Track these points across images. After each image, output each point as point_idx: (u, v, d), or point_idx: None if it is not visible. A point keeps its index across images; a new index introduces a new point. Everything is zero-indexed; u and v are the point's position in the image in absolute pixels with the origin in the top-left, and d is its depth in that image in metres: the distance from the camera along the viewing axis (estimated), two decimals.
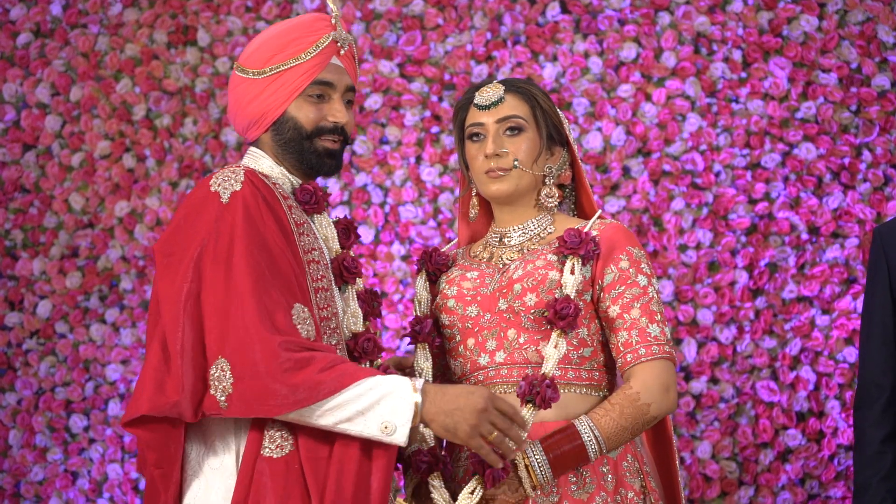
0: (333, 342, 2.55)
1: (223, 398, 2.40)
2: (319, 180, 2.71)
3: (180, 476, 2.52)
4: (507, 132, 2.73)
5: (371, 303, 2.72)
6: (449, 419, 2.39)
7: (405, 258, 4.64)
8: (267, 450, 2.45)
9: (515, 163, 2.71)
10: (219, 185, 2.50)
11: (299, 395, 2.37)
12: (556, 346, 2.61)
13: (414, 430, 2.38)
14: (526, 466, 2.53)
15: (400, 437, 2.38)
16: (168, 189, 4.72)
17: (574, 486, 2.61)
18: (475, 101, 2.75)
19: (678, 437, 4.44)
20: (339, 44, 2.63)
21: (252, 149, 2.68)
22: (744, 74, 4.56)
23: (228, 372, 2.40)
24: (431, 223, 4.64)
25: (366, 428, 2.38)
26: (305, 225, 2.58)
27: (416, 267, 2.84)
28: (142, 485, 4.49)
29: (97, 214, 4.74)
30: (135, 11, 4.80)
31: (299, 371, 2.37)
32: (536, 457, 2.53)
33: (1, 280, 4.74)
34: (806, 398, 4.41)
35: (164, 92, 4.77)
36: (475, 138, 2.74)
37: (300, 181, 2.66)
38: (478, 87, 2.77)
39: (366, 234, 4.64)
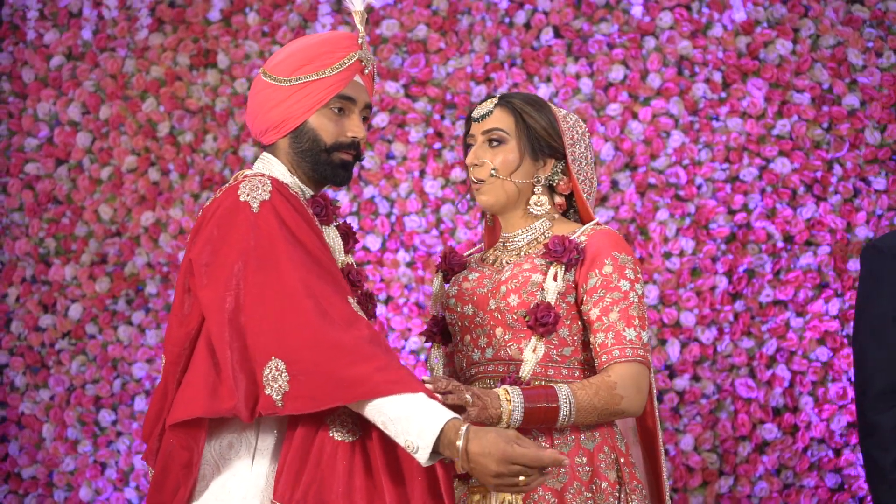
0: None
1: (279, 397, 2.34)
2: (330, 193, 2.68)
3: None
4: (490, 143, 2.75)
5: (367, 305, 2.67)
6: (475, 464, 2.29)
7: (410, 265, 4.68)
8: (337, 434, 2.41)
9: (492, 172, 2.72)
10: (248, 195, 2.46)
11: (349, 390, 2.31)
12: (534, 351, 2.62)
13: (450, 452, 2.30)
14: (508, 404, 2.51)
15: (421, 458, 2.30)
16: (190, 200, 4.75)
17: (548, 474, 2.52)
18: (472, 114, 2.79)
19: (663, 430, 4.45)
20: (363, 63, 2.62)
21: (265, 154, 2.64)
22: (723, 94, 4.62)
23: (284, 371, 2.34)
24: (434, 232, 4.69)
25: (395, 437, 2.33)
26: (323, 233, 2.57)
27: (436, 267, 2.87)
28: None
29: (124, 224, 4.78)
30: (159, 36, 4.84)
31: (355, 366, 2.31)
32: (515, 401, 2.51)
33: (35, 285, 4.79)
34: (781, 394, 4.46)
35: (187, 111, 4.82)
36: (469, 149, 2.79)
37: (311, 192, 2.63)
38: (480, 102, 2.81)
39: (373, 242, 4.68)
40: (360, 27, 2.64)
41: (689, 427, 4.53)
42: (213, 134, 4.82)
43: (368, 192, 4.75)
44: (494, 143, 2.76)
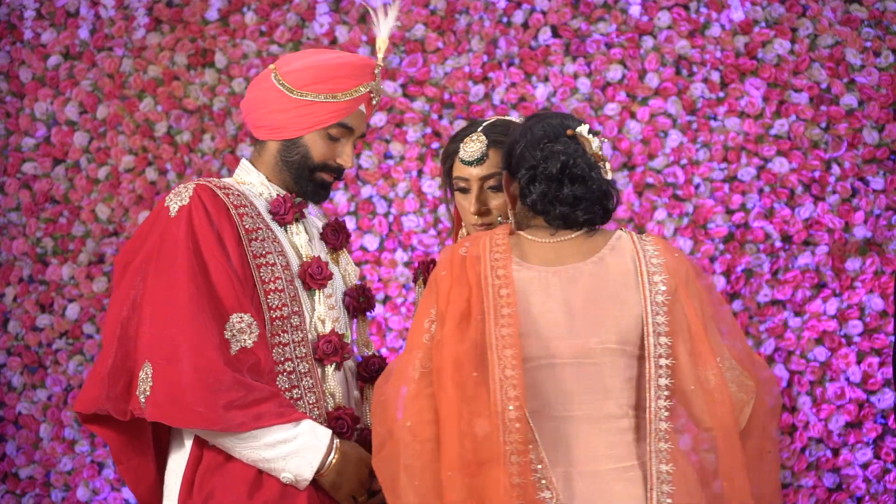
0: (297, 339, 2.58)
1: (143, 399, 2.45)
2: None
3: (154, 471, 2.60)
4: (491, 189, 2.69)
5: (357, 298, 2.73)
6: (338, 478, 2.53)
7: (407, 264, 4.69)
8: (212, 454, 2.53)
9: (500, 219, 2.69)
10: (170, 201, 2.55)
11: (215, 418, 2.42)
12: None
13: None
14: None
15: (301, 486, 2.49)
16: None
17: None
18: (460, 156, 2.70)
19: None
20: (372, 95, 2.66)
21: (244, 162, 2.71)
22: (721, 94, 4.65)
23: (150, 376, 2.43)
24: (432, 232, 4.71)
25: (272, 472, 2.48)
26: (261, 231, 2.59)
27: (413, 276, 2.86)
28: None
29: (122, 224, 4.79)
30: (157, 35, 4.85)
31: (224, 393, 2.42)
32: None
33: (33, 285, 4.80)
34: (779, 394, 4.53)
35: (184, 110, 4.83)
36: (462, 191, 2.72)
37: (280, 191, 2.68)
38: (463, 136, 2.72)
39: (371, 241, 4.70)
40: (380, 56, 2.68)
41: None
42: (210, 133, 4.83)
43: (366, 191, 4.77)
44: (497, 189, 2.70)
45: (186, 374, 2.42)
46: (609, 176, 2.47)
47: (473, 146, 2.69)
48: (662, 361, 2.37)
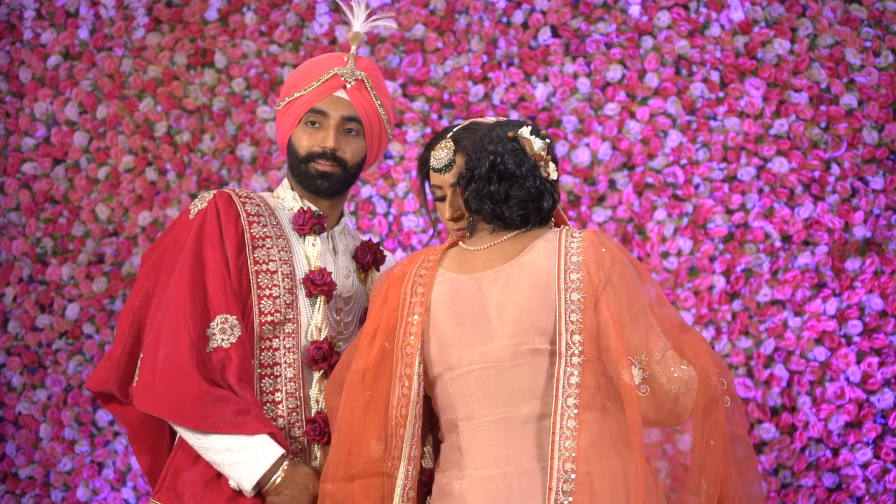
0: (289, 345, 2.68)
1: (135, 385, 2.61)
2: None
3: (168, 450, 2.71)
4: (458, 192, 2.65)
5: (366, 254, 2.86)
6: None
7: None
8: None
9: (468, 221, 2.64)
10: (194, 205, 2.72)
11: (178, 410, 2.54)
12: None
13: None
14: None
15: (246, 494, 2.56)
16: (187, 200, 4.75)
17: None
18: (431, 164, 2.67)
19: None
20: (343, 78, 2.75)
21: (284, 181, 2.84)
22: (721, 94, 4.66)
23: (139, 366, 2.60)
24: (431, 232, 4.66)
25: (225, 475, 2.57)
26: (270, 239, 2.72)
27: None
28: None
29: (122, 224, 4.81)
30: (157, 35, 4.86)
31: (189, 388, 2.53)
32: None
33: (32, 285, 4.82)
34: (779, 394, 4.49)
35: (184, 110, 4.84)
36: (438, 198, 2.70)
37: (306, 204, 2.80)
38: (433, 144, 2.68)
39: None
40: (353, 45, 2.79)
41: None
42: (210, 133, 4.84)
43: (366, 191, 4.78)
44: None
45: (160, 362, 2.55)
46: (553, 176, 2.50)
47: (441, 153, 2.65)
48: (575, 360, 2.38)
